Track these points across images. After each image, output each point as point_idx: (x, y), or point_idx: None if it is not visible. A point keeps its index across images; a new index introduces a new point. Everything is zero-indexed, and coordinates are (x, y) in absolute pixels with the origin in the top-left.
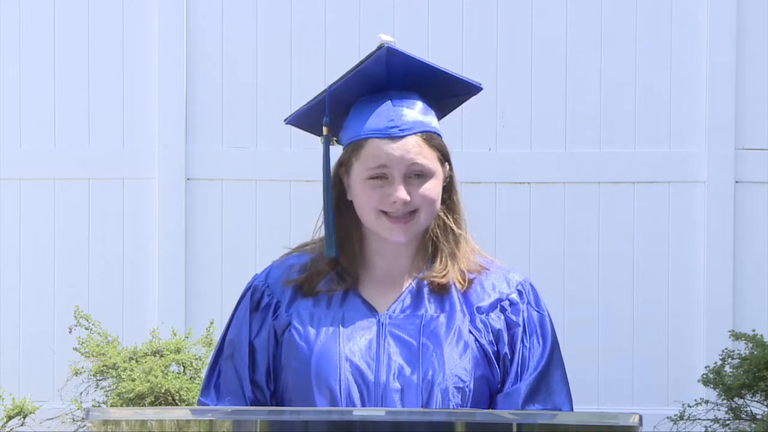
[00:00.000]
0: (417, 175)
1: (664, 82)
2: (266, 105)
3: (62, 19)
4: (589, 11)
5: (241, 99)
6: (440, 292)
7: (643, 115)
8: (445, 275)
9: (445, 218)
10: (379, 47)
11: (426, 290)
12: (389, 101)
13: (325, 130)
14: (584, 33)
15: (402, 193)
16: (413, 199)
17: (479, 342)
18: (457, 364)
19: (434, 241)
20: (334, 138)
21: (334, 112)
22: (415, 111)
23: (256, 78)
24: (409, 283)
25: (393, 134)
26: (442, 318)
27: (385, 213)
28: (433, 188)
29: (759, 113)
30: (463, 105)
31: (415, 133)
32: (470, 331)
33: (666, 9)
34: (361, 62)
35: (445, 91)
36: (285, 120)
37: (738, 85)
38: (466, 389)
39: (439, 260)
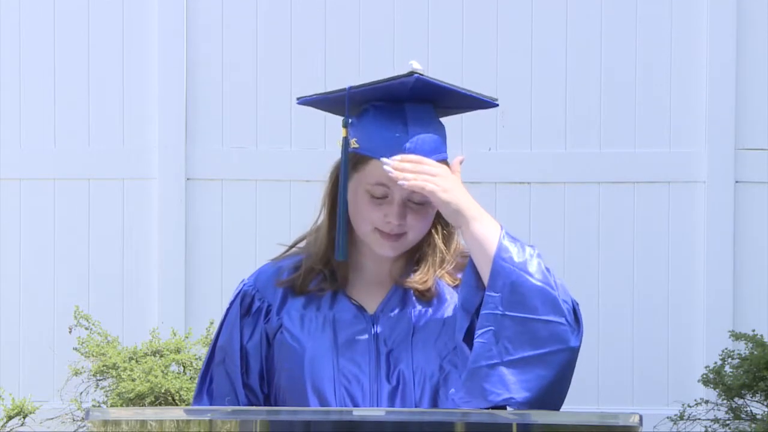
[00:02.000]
0: (416, 200)
1: (664, 82)
2: (266, 105)
3: (62, 19)
4: (589, 11)
5: (241, 99)
6: (425, 297)
7: (643, 115)
8: (425, 282)
9: (437, 236)
10: (409, 74)
11: (412, 292)
12: (405, 131)
13: (344, 131)
14: (584, 32)
15: (398, 217)
16: (407, 221)
17: (469, 323)
18: (448, 355)
19: (421, 249)
20: (354, 139)
21: (349, 107)
22: (428, 137)
23: (256, 78)
24: (394, 284)
25: None
26: (431, 312)
27: (378, 229)
28: (428, 214)
29: (759, 113)
30: None
31: None
32: (459, 313)
33: (666, 9)
34: (386, 80)
35: (461, 104)
36: (298, 99)
37: (738, 85)
38: (459, 378)
39: (423, 267)
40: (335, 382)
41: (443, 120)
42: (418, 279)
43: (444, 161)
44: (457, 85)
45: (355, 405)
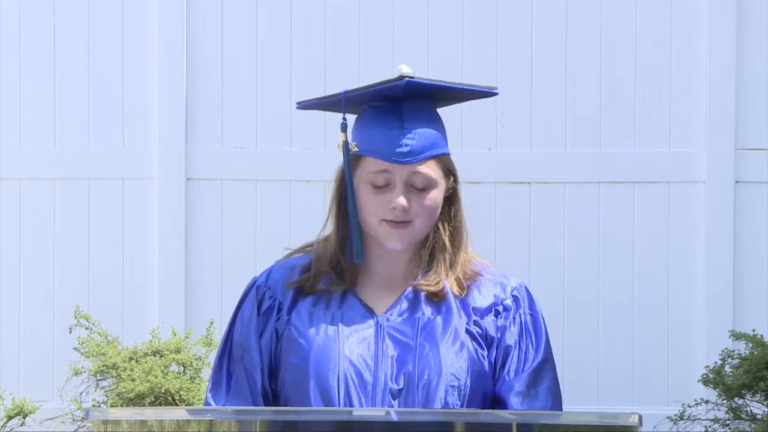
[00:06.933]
0: (418, 184)
1: (664, 82)
2: (266, 105)
3: (62, 19)
4: (589, 11)
5: (241, 99)
6: (436, 299)
7: (643, 115)
8: (437, 284)
9: (443, 232)
10: (399, 78)
11: (423, 295)
12: (401, 127)
13: (342, 136)
14: (584, 33)
15: (401, 200)
16: (412, 207)
17: (475, 342)
18: (453, 363)
19: (431, 251)
20: (354, 143)
21: (348, 108)
22: (427, 132)
23: (256, 78)
24: (406, 288)
25: (401, 162)
26: (439, 319)
27: (386, 220)
28: (432, 199)
29: (759, 113)
30: (463, 105)
31: (422, 160)
32: (466, 331)
33: (666, 9)
34: (378, 84)
35: (460, 97)
36: (297, 104)
37: (738, 85)
38: (462, 388)
39: (434, 270)
40: (339, 380)
41: (445, 112)
42: (431, 280)
43: (446, 155)
44: (452, 81)
45: (360, 404)
